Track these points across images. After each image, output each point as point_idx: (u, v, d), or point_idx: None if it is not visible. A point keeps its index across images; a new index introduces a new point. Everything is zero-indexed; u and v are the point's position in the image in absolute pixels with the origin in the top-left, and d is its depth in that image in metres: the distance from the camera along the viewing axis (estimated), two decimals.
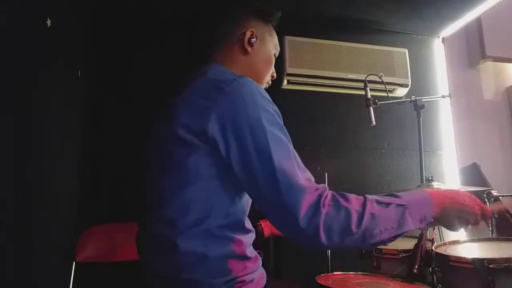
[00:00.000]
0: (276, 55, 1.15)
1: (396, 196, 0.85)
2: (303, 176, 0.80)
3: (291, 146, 0.84)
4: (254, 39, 1.06)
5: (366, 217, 0.79)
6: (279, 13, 1.15)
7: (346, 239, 0.78)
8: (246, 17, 1.08)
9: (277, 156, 0.79)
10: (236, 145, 0.81)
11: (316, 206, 0.77)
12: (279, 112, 0.88)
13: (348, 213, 0.78)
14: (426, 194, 0.88)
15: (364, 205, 0.80)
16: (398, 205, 0.83)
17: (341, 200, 0.80)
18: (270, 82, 1.16)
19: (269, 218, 0.82)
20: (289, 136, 0.86)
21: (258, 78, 1.08)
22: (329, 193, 0.81)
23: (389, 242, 0.83)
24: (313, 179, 0.83)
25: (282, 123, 0.87)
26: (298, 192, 0.77)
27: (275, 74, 1.17)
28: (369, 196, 0.83)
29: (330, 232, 0.77)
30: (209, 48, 1.08)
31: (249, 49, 1.06)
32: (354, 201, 0.81)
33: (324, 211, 0.77)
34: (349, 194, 0.82)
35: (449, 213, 0.89)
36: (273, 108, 0.87)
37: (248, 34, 1.05)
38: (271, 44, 1.12)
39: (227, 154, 0.82)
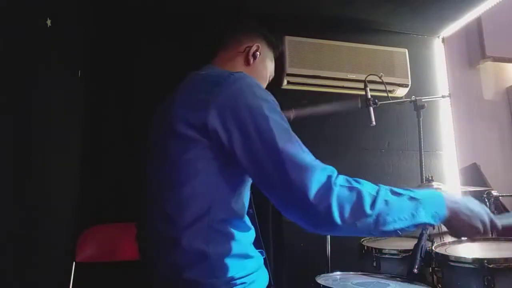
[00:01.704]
0: (269, 80, 1.22)
1: (409, 190, 0.85)
2: (309, 156, 0.81)
3: (292, 132, 0.85)
4: (259, 53, 1.13)
5: (380, 201, 0.78)
6: (281, 46, 1.28)
7: (359, 220, 0.77)
8: (256, 34, 1.16)
9: (281, 139, 0.80)
10: (238, 132, 0.81)
11: (327, 185, 0.77)
12: (277, 103, 0.89)
13: (361, 194, 0.78)
14: (440, 193, 0.88)
15: (378, 191, 0.80)
16: (412, 197, 0.83)
17: (354, 182, 0.80)
18: None
19: (278, 203, 0.81)
20: (289, 125, 0.86)
21: None
22: (340, 175, 0.81)
23: (402, 232, 0.81)
24: (318, 161, 0.82)
25: (280, 111, 0.88)
26: (306, 171, 0.77)
27: None
28: (383, 185, 0.83)
29: (343, 211, 0.76)
30: (214, 51, 1.13)
31: (251, 60, 1.12)
32: (368, 185, 0.81)
33: (336, 189, 0.76)
34: (363, 180, 0.82)
35: (460, 217, 0.87)
36: (271, 98, 0.88)
37: (254, 47, 1.13)
38: (269, 66, 1.20)
39: (230, 143, 0.82)
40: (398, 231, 0.81)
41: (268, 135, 0.80)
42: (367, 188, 0.80)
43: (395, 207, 0.80)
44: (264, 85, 1.16)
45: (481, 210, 0.89)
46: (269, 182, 0.82)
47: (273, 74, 1.23)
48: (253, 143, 0.80)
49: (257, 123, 0.81)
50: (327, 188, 0.77)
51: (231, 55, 1.12)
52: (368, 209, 0.77)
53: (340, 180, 0.79)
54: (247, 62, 1.12)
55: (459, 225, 0.88)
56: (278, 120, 0.83)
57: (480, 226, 0.88)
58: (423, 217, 0.82)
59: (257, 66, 1.14)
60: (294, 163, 0.78)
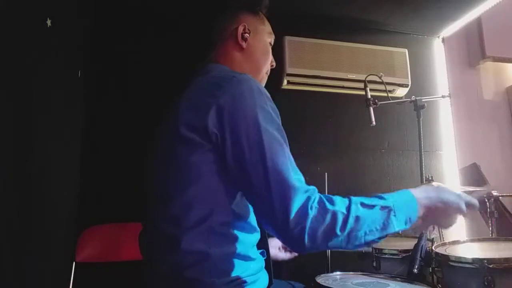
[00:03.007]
0: (272, 43, 1.16)
1: (381, 198, 0.85)
2: (295, 176, 0.80)
3: (285, 146, 0.84)
4: (247, 33, 1.08)
5: (351, 219, 0.79)
6: (266, 0, 1.17)
7: (331, 241, 0.78)
8: (236, 13, 1.11)
9: (270, 153, 0.80)
10: (230, 139, 0.82)
11: (305, 208, 0.77)
12: (277, 110, 0.88)
13: (333, 216, 0.78)
14: (411, 195, 0.88)
15: (349, 208, 0.80)
16: (383, 207, 0.83)
17: (327, 204, 0.80)
18: (269, 72, 1.17)
19: (258, 215, 0.83)
20: (285, 136, 0.86)
21: (258, 69, 1.10)
22: (317, 196, 0.81)
23: (373, 243, 0.84)
24: (304, 180, 0.82)
25: (279, 121, 0.87)
26: (289, 192, 0.77)
27: (274, 63, 1.18)
28: (354, 198, 0.83)
29: (314, 235, 0.77)
30: (208, 48, 1.11)
31: (243, 44, 1.08)
32: (340, 204, 0.81)
33: (311, 214, 0.77)
34: (335, 196, 0.82)
35: (435, 212, 0.88)
36: (271, 106, 0.87)
37: (240, 29, 1.08)
38: (265, 34, 1.14)
39: (223, 148, 0.82)
40: (369, 243, 0.82)
41: (258, 148, 0.80)
42: (339, 207, 0.80)
43: (365, 221, 0.80)
44: (269, 55, 1.13)
45: (455, 198, 0.89)
46: (252, 194, 0.82)
47: (273, 36, 1.16)
48: (243, 153, 0.80)
49: (250, 134, 0.81)
50: (304, 212, 0.77)
51: (224, 46, 1.09)
52: (338, 231, 0.78)
53: (316, 203, 0.79)
54: (240, 47, 1.08)
55: (436, 219, 0.90)
56: (272, 132, 0.82)
57: (457, 214, 0.90)
58: (395, 225, 0.83)
59: (252, 45, 1.09)
60: (279, 181, 0.78)
